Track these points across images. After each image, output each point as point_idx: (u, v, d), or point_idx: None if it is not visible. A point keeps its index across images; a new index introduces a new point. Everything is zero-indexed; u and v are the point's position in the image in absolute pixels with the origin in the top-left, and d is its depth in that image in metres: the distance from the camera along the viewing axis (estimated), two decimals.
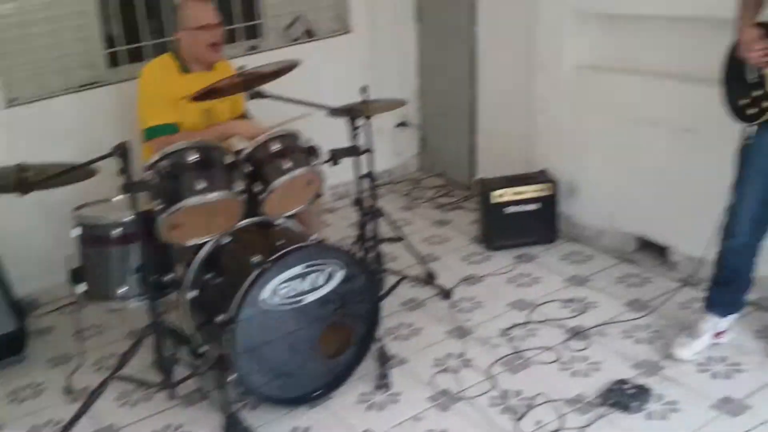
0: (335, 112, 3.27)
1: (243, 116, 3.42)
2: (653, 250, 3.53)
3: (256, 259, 2.65)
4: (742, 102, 2.52)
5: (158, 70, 3.23)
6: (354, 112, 3.08)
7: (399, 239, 3.61)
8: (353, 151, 3.07)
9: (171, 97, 3.13)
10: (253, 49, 4.32)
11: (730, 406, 2.47)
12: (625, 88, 3.48)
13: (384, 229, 3.41)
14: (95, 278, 2.75)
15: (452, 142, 4.77)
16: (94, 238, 2.74)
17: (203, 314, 2.85)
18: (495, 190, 3.77)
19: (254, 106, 3.27)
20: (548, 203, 3.78)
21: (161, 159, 2.64)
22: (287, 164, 2.80)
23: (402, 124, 4.90)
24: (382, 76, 4.49)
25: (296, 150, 2.88)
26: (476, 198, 4.22)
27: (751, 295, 2.95)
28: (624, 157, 3.54)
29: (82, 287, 2.73)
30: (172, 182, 2.62)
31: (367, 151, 3.14)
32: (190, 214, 2.64)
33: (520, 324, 3.10)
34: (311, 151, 2.94)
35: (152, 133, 3.12)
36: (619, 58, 3.57)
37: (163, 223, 2.62)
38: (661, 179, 3.37)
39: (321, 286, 2.71)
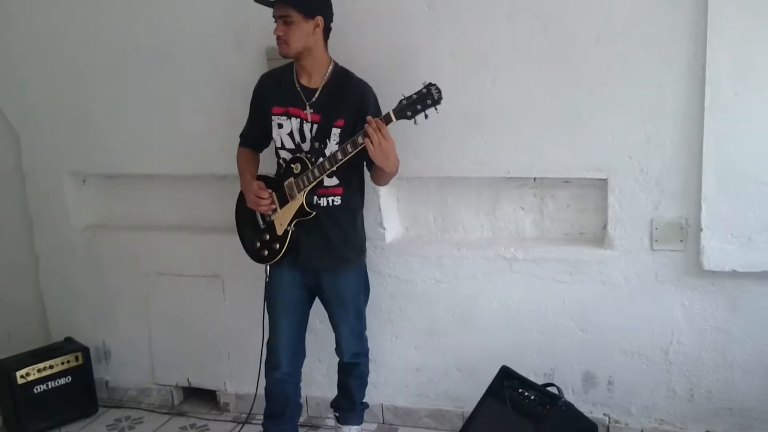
0: None
1: None
2: (201, 396, 3.53)
3: None
4: (257, 245, 2.79)
5: None
6: None
7: None
8: None
9: None
10: None
11: None
12: (143, 243, 3.50)
13: None
14: None
15: None
16: None
17: None
18: (18, 369, 3.30)
19: None
20: (81, 372, 3.47)
21: None
22: None
23: None
24: None
25: None
26: None
27: (301, 417, 3.20)
28: (153, 310, 3.52)
29: None
30: None
31: None
32: None
33: None
34: None
35: None
36: (128, 215, 3.61)
37: None
38: (197, 325, 3.44)
39: None
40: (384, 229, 3.07)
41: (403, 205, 3.15)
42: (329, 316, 2.85)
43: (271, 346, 2.83)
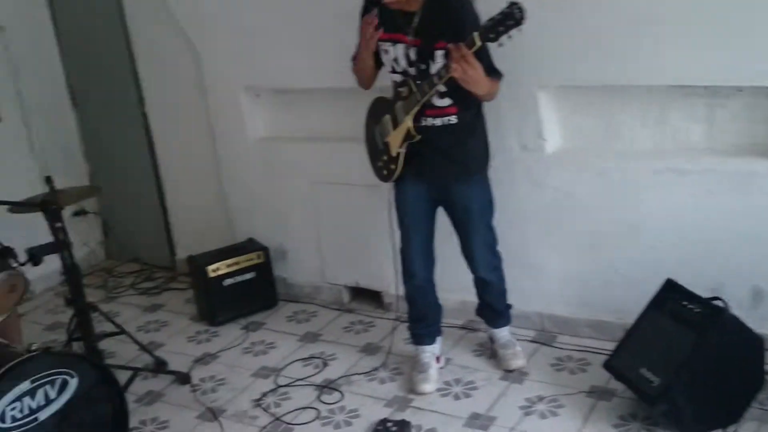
0: (22, 206, 2.95)
1: None
2: (368, 296, 3.79)
3: None
4: (378, 165, 2.91)
5: None
6: (47, 205, 2.79)
7: (120, 332, 3.34)
8: (55, 248, 2.78)
9: None
10: None
11: (479, 421, 2.75)
12: (310, 153, 3.71)
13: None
14: None
15: (142, 224, 4.57)
16: None
17: None
18: (209, 264, 3.71)
19: None
20: (263, 270, 3.83)
21: None
22: None
23: (79, 213, 4.54)
24: (47, 164, 4.20)
25: None
26: (186, 276, 4.12)
27: (460, 321, 3.37)
28: (323, 216, 3.75)
29: None
30: None
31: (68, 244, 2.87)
32: None
33: (269, 391, 3.08)
34: (6, 253, 2.61)
35: None
36: (298, 127, 3.81)
37: None
38: (362, 231, 3.64)
39: (55, 399, 2.39)
40: (544, 140, 3.06)
41: (565, 115, 3.10)
42: (458, 232, 2.92)
43: (405, 257, 2.98)
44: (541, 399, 2.82)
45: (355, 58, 2.86)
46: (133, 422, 2.89)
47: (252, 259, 3.81)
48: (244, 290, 3.77)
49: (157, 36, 3.98)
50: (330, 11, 3.30)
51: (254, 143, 3.86)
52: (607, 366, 2.74)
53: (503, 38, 2.34)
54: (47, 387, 2.37)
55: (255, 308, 3.81)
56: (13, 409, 2.27)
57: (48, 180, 3.10)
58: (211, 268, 3.70)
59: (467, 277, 3.03)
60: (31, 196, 3.11)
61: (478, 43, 2.38)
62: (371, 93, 2.97)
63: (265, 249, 3.85)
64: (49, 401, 2.37)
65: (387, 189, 2.96)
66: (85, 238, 4.56)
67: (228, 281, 3.74)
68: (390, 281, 3.59)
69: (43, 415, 2.34)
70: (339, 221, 3.70)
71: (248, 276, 3.79)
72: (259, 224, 3.98)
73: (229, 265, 3.75)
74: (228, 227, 4.11)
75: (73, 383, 2.43)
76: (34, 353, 2.37)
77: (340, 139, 3.59)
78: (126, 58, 4.13)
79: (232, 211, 4.09)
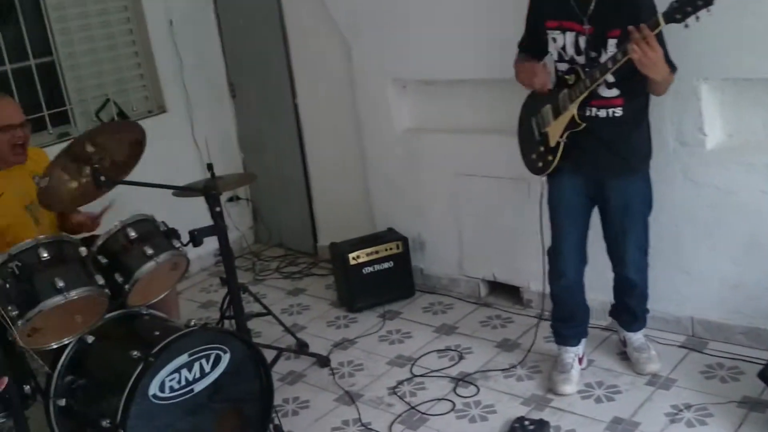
0: (186, 191, 3.14)
1: None
2: (506, 291, 3.74)
3: (135, 353, 2.41)
4: (532, 157, 2.82)
5: None
6: (209, 190, 2.96)
7: (267, 313, 3.50)
8: (214, 230, 2.94)
9: None
10: (64, 137, 4.05)
11: (622, 426, 2.65)
12: (454, 145, 3.70)
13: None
14: None
15: (288, 211, 4.75)
16: None
17: (72, 422, 2.54)
18: (351, 252, 3.80)
19: None
20: (401, 260, 3.88)
21: (7, 261, 2.38)
22: (149, 251, 2.63)
23: (233, 199, 4.82)
24: (205, 152, 4.45)
25: (155, 235, 2.72)
26: (328, 263, 4.25)
27: (604, 322, 3.26)
28: (463, 208, 3.74)
29: None
30: (25, 284, 2.37)
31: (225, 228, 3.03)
32: (51, 315, 2.41)
33: (405, 380, 3.12)
34: (171, 234, 2.79)
35: None
36: (442, 118, 3.81)
37: (21, 329, 2.34)
38: (503, 225, 3.60)
39: (209, 373, 2.53)
40: (704, 135, 2.88)
41: (728, 109, 2.90)
42: (610, 230, 2.81)
43: (555, 254, 2.88)
44: (688, 407, 2.67)
45: (517, 63, 2.84)
46: (276, 400, 3.02)
47: (391, 248, 3.86)
48: (382, 279, 3.83)
49: (312, 31, 4.11)
50: (482, 1, 3.27)
51: (399, 134, 3.90)
52: (762, 376, 2.56)
53: (690, 19, 2.22)
54: (203, 361, 2.50)
55: (392, 297, 3.86)
56: (172, 380, 2.42)
57: (209, 167, 3.31)
58: (351, 255, 3.80)
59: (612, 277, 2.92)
60: (192, 181, 3.32)
61: (663, 23, 2.29)
62: (514, 84, 2.92)
63: (404, 239, 3.89)
64: (203, 374, 2.50)
65: (539, 183, 2.89)
66: (237, 222, 4.81)
67: (367, 269, 3.81)
68: (530, 277, 3.54)
69: (198, 387, 2.48)
70: (480, 214, 3.68)
71: (387, 265, 3.85)
72: (398, 214, 4.02)
73: (368, 254, 3.83)
74: (368, 216, 4.20)
75: (226, 358, 2.56)
76: (193, 328, 2.53)
77: (486, 131, 3.56)
78: (282, 52, 4.30)
79: (373, 200, 4.17)
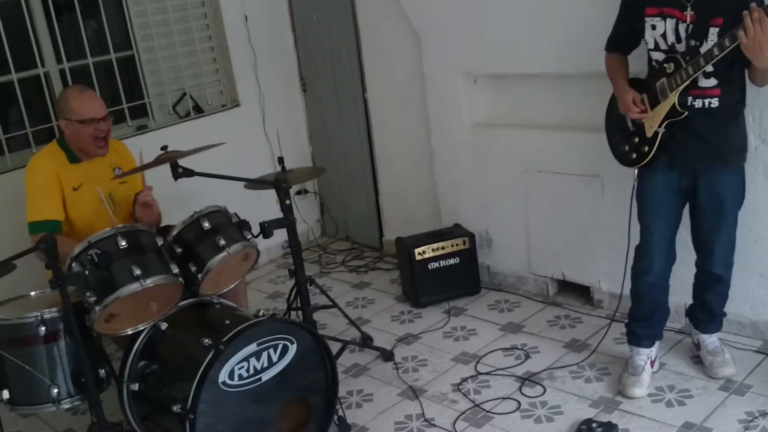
0: (257, 183, 3.20)
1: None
2: (575, 291, 3.68)
3: (207, 341, 2.48)
4: (625, 148, 2.75)
5: (46, 161, 3.04)
6: (280, 183, 3.00)
7: (332, 306, 3.53)
8: (284, 222, 2.99)
9: (60, 188, 3.00)
10: (142, 129, 4.19)
11: (692, 431, 2.58)
12: (524, 140, 3.65)
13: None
14: (20, 383, 2.47)
15: (355, 205, 4.78)
16: (14, 339, 2.47)
17: (144, 406, 2.62)
18: (416, 247, 3.80)
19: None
20: (467, 256, 3.85)
21: (87, 249, 2.48)
22: (222, 241, 2.70)
23: (301, 192, 4.88)
24: (278, 145, 4.45)
25: (227, 226, 2.78)
26: (393, 257, 4.26)
27: (677, 325, 3.16)
28: (532, 205, 3.69)
29: (4, 394, 2.46)
30: (103, 271, 2.47)
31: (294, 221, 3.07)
32: (127, 302, 2.50)
33: (469, 377, 3.10)
34: (242, 225, 2.84)
35: (32, 229, 2.95)
36: (512, 113, 3.76)
37: (98, 315, 2.44)
38: (573, 223, 3.53)
39: (276, 362, 2.58)
40: None
41: None
42: (700, 223, 2.72)
43: (643, 250, 2.80)
44: (763, 414, 2.58)
45: (611, 39, 2.80)
46: (340, 391, 3.06)
47: (457, 244, 3.84)
48: (448, 275, 3.81)
49: (383, 26, 4.12)
50: None
51: (468, 129, 3.87)
52: None
53: None
54: (270, 350, 2.55)
55: (458, 293, 3.84)
56: (241, 368, 2.47)
57: (280, 160, 3.36)
58: (417, 250, 3.79)
59: (689, 279, 2.82)
60: (262, 174, 3.38)
61: None
62: (597, 79, 2.86)
63: (470, 235, 3.87)
64: (271, 363, 2.55)
65: (614, 180, 2.83)
66: (305, 215, 4.87)
67: (433, 265, 3.80)
68: (600, 276, 3.46)
69: (265, 376, 2.53)
70: (550, 211, 3.62)
71: (452, 261, 3.83)
72: (465, 210, 4.00)
73: (434, 249, 3.81)
74: (435, 212, 4.18)
75: (293, 349, 2.60)
76: (262, 318, 2.58)
77: (558, 127, 3.51)
78: (353, 47, 4.34)
79: (440, 195, 4.16)
